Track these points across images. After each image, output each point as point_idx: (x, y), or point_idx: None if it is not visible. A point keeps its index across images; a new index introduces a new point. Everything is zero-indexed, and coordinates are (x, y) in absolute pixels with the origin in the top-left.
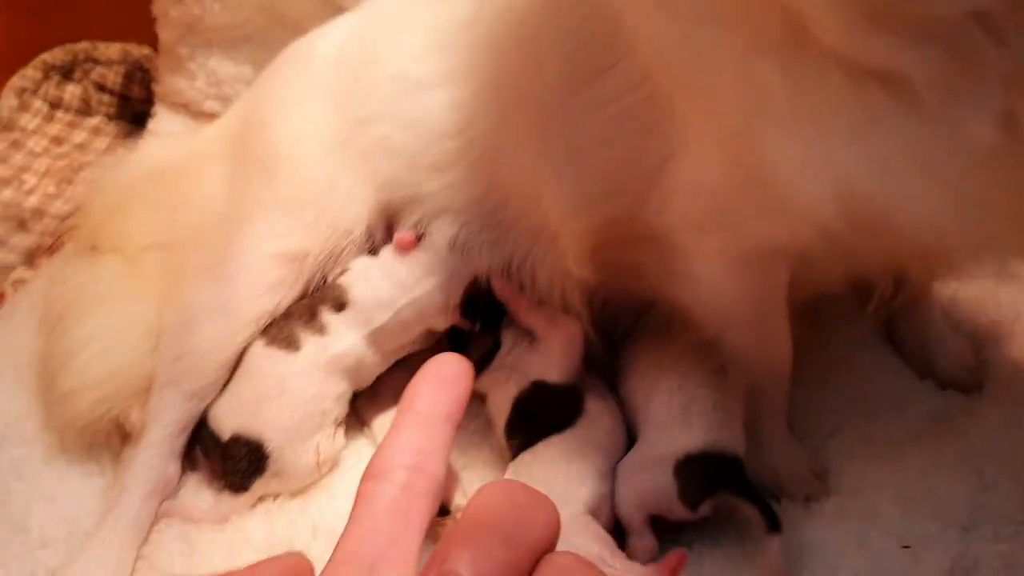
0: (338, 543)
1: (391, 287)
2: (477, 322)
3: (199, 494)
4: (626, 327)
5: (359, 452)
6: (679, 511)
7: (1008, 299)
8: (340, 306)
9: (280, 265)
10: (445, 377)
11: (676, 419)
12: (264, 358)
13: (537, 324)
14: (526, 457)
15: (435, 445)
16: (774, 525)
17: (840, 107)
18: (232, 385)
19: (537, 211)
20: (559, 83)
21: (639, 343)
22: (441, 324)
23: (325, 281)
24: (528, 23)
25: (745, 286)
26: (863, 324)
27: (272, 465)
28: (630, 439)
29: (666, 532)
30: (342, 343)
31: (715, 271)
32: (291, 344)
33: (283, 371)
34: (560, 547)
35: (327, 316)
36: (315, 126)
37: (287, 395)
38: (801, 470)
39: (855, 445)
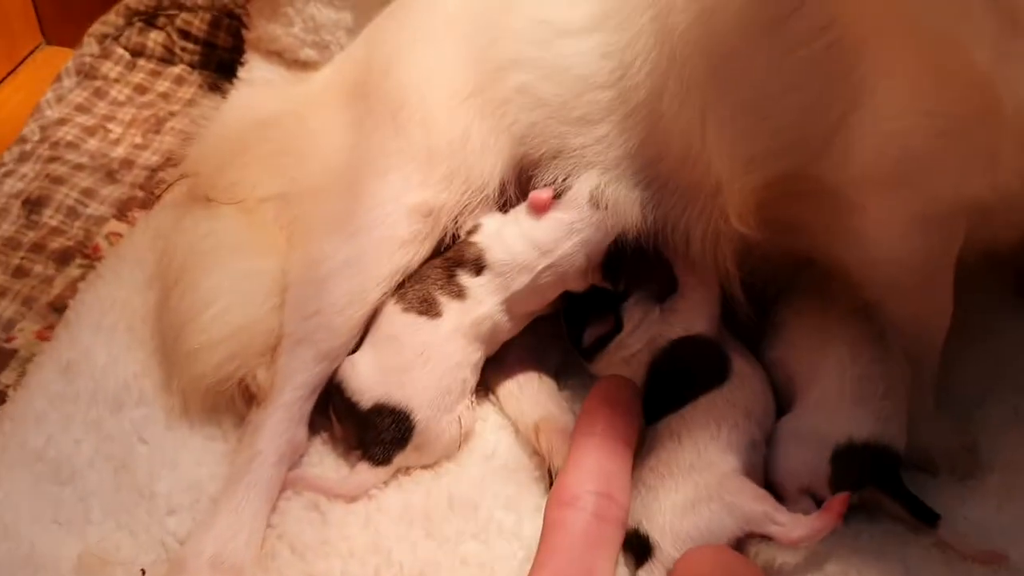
0: (534, 569)
1: (530, 250)
2: (621, 282)
3: (324, 460)
4: (777, 288)
5: (486, 420)
6: (826, 494)
7: None
8: (479, 269)
9: (416, 219)
10: (620, 400)
11: (846, 397)
12: (405, 324)
13: (683, 276)
14: (670, 422)
15: (619, 469)
16: (929, 519)
17: None
18: (369, 350)
19: (698, 164)
20: (736, 28)
21: (793, 305)
22: (581, 286)
23: (456, 237)
24: None
25: (919, 246)
26: (1005, 292)
27: (416, 437)
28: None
29: None
30: (482, 308)
31: (890, 230)
32: (432, 310)
33: (427, 338)
34: (721, 510)
35: (466, 279)
36: (447, 72)
37: (432, 364)
38: (952, 445)
39: (1005, 417)
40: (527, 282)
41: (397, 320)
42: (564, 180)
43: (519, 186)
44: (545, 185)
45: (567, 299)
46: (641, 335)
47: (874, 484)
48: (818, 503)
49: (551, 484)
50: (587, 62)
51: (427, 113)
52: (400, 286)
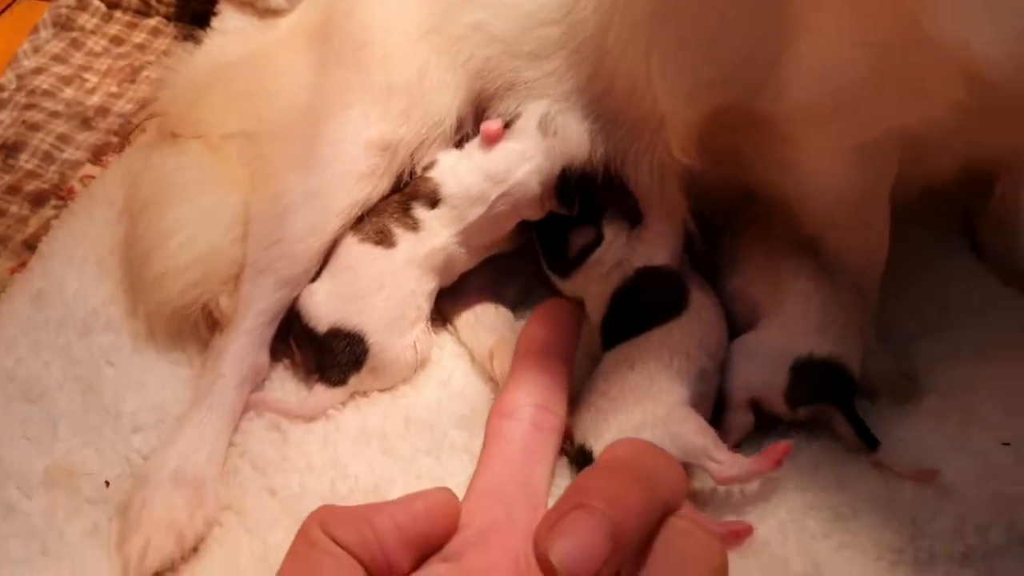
0: (475, 478)
1: (482, 180)
2: (575, 206)
3: (285, 385)
4: (724, 219)
5: (443, 348)
6: (779, 406)
7: None
8: (434, 202)
9: (374, 153)
10: (557, 320)
11: (811, 322)
12: (361, 254)
13: (647, 207)
14: (626, 348)
15: (556, 384)
16: (872, 443)
17: None
18: (327, 279)
19: (643, 99)
20: None
21: (745, 236)
22: (537, 214)
23: (413, 173)
24: None
25: (854, 178)
26: (945, 230)
27: (371, 360)
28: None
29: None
30: (436, 240)
31: (825, 162)
32: (386, 240)
33: (382, 267)
34: (664, 437)
35: (421, 212)
36: (406, 11)
37: (386, 291)
38: (892, 371)
39: (941, 349)
40: (482, 213)
41: (354, 250)
42: (516, 110)
43: (476, 121)
44: (497, 116)
45: (540, 222)
46: (614, 253)
47: (830, 400)
48: (760, 418)
49: None
50: None
51: (387, 51)
52: (359, 220)
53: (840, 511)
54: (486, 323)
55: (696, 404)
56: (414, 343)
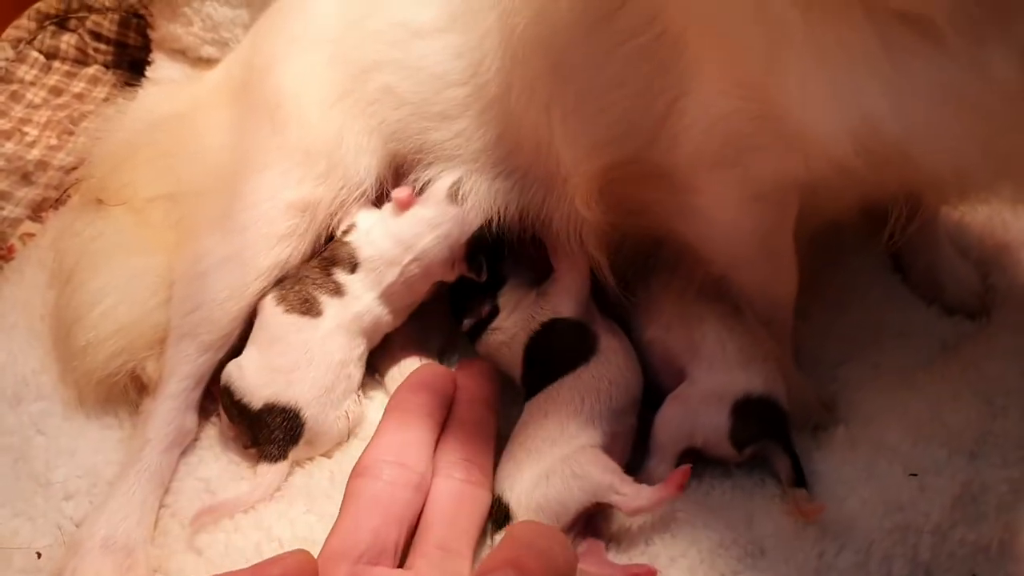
0: (328, 537)
1: (394, 245)
2: (483, 272)
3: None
4: (641, 268)
5: (372, 399)
6: (725, 450)
7: (1016, 224)
8: (353, 267)
9: (292, 215)
10: (423, 381)
11: (733, 362)
12: (288, 325)
13: (554, 261)
14: (540, 398)
15: (416, 440)
16: (800, 481)
17: (862, 44)
18: (254, 352)
19: (550, 156)
20: (570, 24)
21: (655, 286)
22: (449, 277)
23: (332, 235)
24: None
25: (754, 221)
26: (867, 253)
27: (307, 433)
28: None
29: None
30: (360, 303)
31: (723, 208)
32: (313, 309)
33: (309, 337)
34: (570, 479)
35: (342, 277)
36: (319, 74)
37: (316, 362)
38: (808, 400)
39: (864, 374)
40: (396, 275)
41: (280, 321)
42: (428, 175)
43: (396, 182)
44: (413, 181)
45: (451, 286)
46: (517, 319)
47: (771, 436)
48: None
49: None
50: (441, 61)
51: (302, 114)
52: (280, 286)
53: (749, 549)
54: None
55: (609, 444)
56: (346, 413)
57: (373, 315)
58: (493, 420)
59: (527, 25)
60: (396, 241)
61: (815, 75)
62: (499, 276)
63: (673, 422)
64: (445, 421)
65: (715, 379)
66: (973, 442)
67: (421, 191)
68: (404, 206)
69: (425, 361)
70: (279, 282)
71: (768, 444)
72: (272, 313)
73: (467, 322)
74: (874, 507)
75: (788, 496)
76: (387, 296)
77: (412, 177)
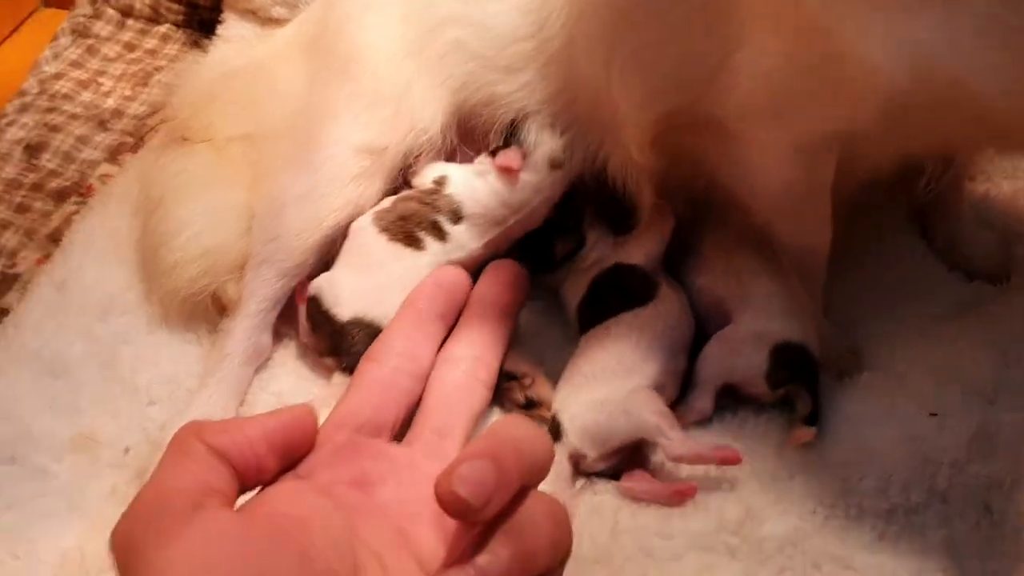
0: (333, 408)
1: (500, 206)
2: (569, 218)
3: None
4: (689, 218)
5: None
6: (760, 388)
7: None
8: (457, 219)
9: (362, 157)
10: (442, 283)
11: (775, 312)
12: (389, 252)
13: (643, 217)
14: (599, 331)
15: (424, 336)
16: (813, 420)
17: None
18: (348, 271)
19: (606, 106)
20: None
21: (706, 236)
22: (537, 225)
23: (404, 178)
24: None
25: (795, 173)
26: (896, 216)
27: None
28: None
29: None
30: (461, 251)
31: (768, 159)
32: (415, 243)
33: (408, 266)
34: (621, 416)
35: (447, 226)
36: (391, 31)
37: (407, 288)
38: (836, 347)
39: (888, 328)
40: (499, 232)
41: (384, 247)
42: (500, 126)
43: (458, 131)
44: (502, 142)
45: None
46: (596, 254)
47: (803, 380)
48: (736, 399)
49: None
50: (510, 19)
51: (375, 66)
52: (377, 216)
53: (778, 474)
54: None
55: (662, 383)
56: None
57: (471, 259)
58: (508, 326)
59: None
60: (502, 202)
61: (870, 16)
62: (579, 212)
63: (716, 358)
64: (458, 319)
65: (759, 324)
66: (990, 388)
67: (505, 145)
68: (513, 176)
69: None
70: (383, 224)
71: (798, 388)
72: (375, 240)
73: (559, 250)
74: (896, 442)
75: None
76: (486, 246)
77: (480, 127)
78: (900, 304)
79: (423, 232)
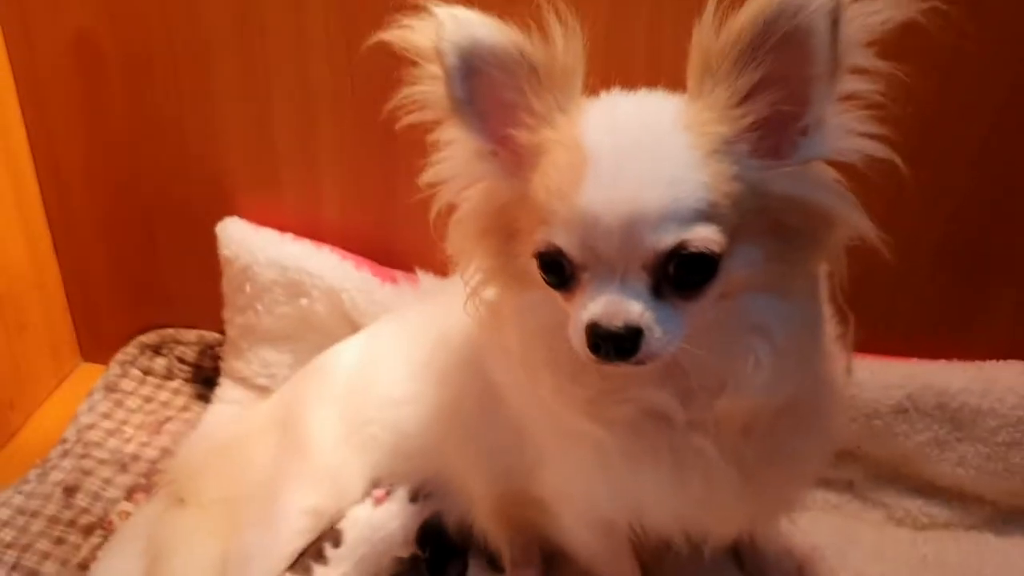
0: None
1: (369, 528)
2: (428, 551)
3: None
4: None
5: None
6: None
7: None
8: (337, 543)
9: (307, 518)
10: None
11: None
12: None
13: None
14: None
15: None
16: None
17: (582, 456)
18: None
19: (466, 485)
20: (474, 410)
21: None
22: (405, 552)
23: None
24: (454, 375)
25: (595, 537)
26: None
27: None
28: None
29: None
30: (336, 571)
31: (575, 527)
32: (306, 572)
33: None
34: None
35: (329, 551)
36: (332, 424)
37: None
38: None
39: None
40: (367, 549)
41: None
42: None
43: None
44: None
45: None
46: None
47: None
48: None
49: None
50: (408, 422)
51: (320, 449)
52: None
53: None
54: None
55: None
56: None
57: None
58: None
59: (449, 409)
60: (370, 525)
61: (553, 474)
62: (446, 547)
63: None
64: None
65: None
66: None
67: (387, 493)
68: (380, 501)
69: None
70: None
71: None
72: None
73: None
74: None
75: None
76: (360, 564)
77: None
78: None
79: (312, 560)
